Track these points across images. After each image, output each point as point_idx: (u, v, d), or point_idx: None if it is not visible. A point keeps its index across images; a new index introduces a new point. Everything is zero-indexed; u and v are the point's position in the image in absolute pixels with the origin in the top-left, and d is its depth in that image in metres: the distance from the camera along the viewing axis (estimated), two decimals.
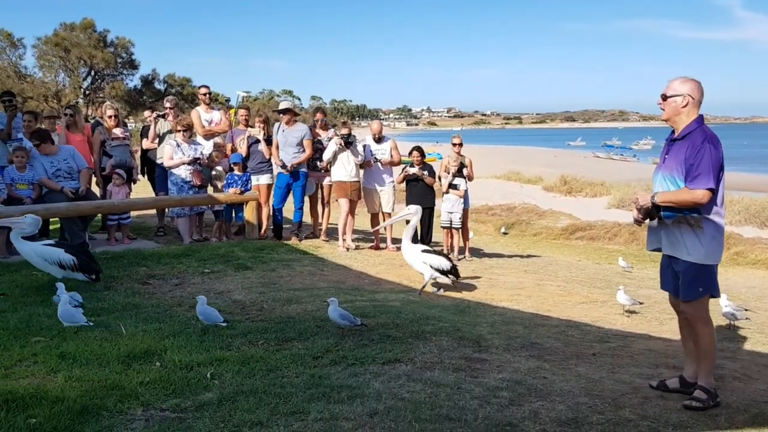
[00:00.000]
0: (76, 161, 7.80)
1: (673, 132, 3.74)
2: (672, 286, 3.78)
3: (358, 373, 3.84)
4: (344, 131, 8.79)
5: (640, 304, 6.28)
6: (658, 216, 3.67)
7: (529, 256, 11.24)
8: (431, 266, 6.53)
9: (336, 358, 4.10)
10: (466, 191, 9.21)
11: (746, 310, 6.10)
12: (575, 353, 4.50)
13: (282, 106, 8.98)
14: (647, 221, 3.77)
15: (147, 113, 9.62)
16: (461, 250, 9.37)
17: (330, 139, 8.96)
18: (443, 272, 6.58)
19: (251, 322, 4.94)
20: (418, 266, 6.63)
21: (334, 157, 8.66)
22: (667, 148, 3.73)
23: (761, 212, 16.97)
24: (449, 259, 6.84)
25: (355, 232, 9.51)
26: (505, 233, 15.92)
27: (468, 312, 5.71)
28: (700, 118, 3.63)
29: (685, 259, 3.59)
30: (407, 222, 7.35)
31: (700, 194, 3.47)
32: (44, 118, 9.07)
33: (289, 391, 3.51)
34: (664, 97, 3.68)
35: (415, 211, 7.11)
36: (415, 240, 7.22)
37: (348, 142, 8.54)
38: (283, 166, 8.57)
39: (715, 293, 3.65)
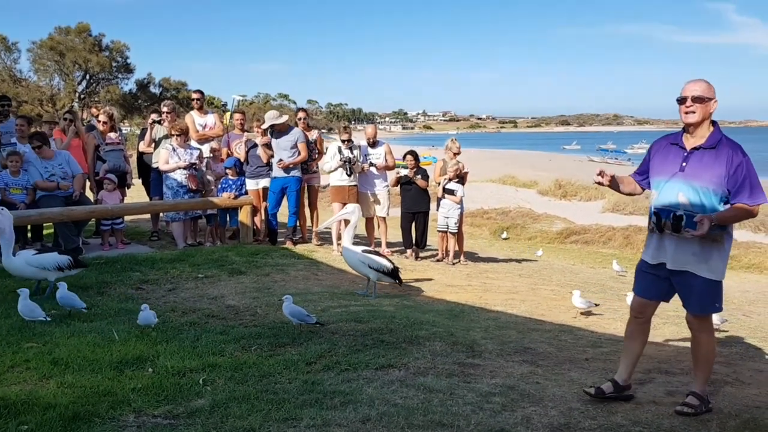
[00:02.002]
0: (71, 167, 7.79)
1: (682, 135, 3.55)
2: (661, 294, 3.65)
3: (351, 379, 3.84)
4: (344, 137, 8.85)
5: (596, 305, 6.33)
6: (674, 227, 3.47)
7: (523, 260, 11.27)
8: (370, 267, 6.34)
9: (329, 363, 4.09)
10: (462, 197, 9.22)
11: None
12: (568, 358, 4.50)
13: (266, 124, 8.63)
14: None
15: (154, 116, 9.44)
16: (456, 255, 9.38)
17: (315, 140, 9.08)
18: (385, 273, 6.40)
19: (244, 327, 4.93)
20: (362, 269, 6.41)
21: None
22: (684, 155, 3.48)
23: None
24: (391, 261, 6.63)
25: None
26: (506, 238, 15.82)
27: (462, 317, 5.71)
28: (718, 124, 3.51)
29: (704, 276, 3.44)
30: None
31: (757, 210, 3.40)
32: (43, 123, 9.06)
33: (281, 397, 3.50)
34: (698, 99, 3.42)
35: (352, 210, 6.81)
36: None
37: (350, 171, 8.71)
38: (279, 162, 8.56)
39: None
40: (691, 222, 3.41)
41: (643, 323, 3.75)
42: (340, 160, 8.65)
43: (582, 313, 6.20)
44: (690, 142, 3.51)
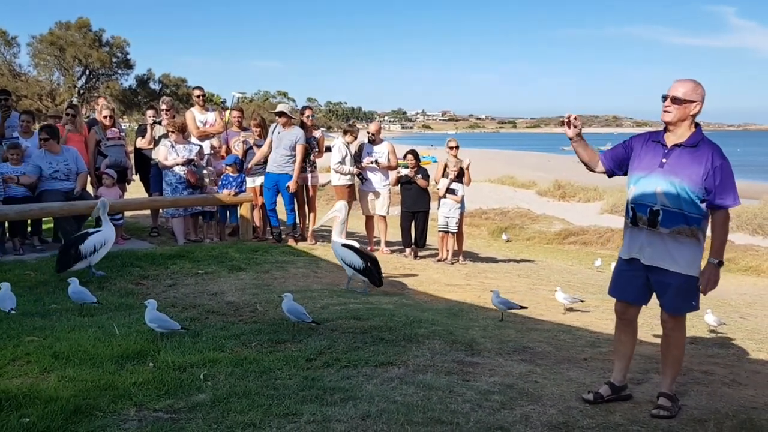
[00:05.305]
0: (78, 164, 7.81)
1: (663, 133, 3.56)
2: (640, 296, 3.64)
3: (351, 376, 3.85)
4: (349, 139, 8.91)
5: (581, 301, 6.47)
6: (650, 222, 3.48)
7: (522, 260, 11.29)
8: (344, 262, 6.33)
9: (329, 360, 4.11)
10: (463, 196, 9.24)
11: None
12: (567, 357, 4.53)
13: (279, 108, 8.99)
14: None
15: (150, 113, 9.46)
16: (455, 254, 9.39)
17: (318, 138, 9.17)
18: (357, 270, 6.32)
19: (244, 323, 4.94)
20: (341, 263, 6.43)
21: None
22: (665, 152, 3.49)
23: (753, 219, 17.12)
24: (368, 261, 6.41)
25: (349, 234, 9.52)
26: (508, 240, 15.77)
27: (461, 315, 5.73)
28: (700, 126, 3.52)
29: (682, 272, 3.43)
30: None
31: (730, 213, 3.45)
32: (48, 117, 9.05)
33: (282, 393, 3.52)
34: (676, 100, 3.43)
35: (340, 209, 6.78)
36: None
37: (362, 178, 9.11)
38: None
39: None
40: (667, 218, 3.43)
41: (628, 324, 3.77)
42: (353, 168, 8.97)
43: (568, 309, 6.34)
44: (671, 139, 3.53)
